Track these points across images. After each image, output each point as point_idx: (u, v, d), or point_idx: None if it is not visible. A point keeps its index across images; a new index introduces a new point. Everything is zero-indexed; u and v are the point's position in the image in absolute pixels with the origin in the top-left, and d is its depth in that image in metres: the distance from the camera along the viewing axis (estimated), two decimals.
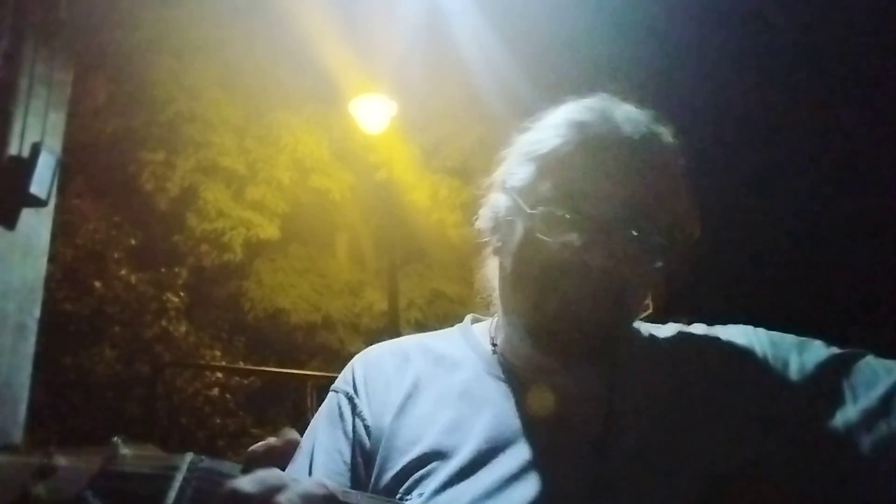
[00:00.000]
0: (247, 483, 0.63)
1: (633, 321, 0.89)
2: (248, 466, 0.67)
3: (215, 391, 7.98)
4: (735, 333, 0.88)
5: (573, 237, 0.81)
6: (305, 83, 7.74)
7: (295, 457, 0.87)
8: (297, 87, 7.90)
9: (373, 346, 0.97)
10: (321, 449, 0.86)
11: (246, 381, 8.24)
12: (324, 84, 7.40)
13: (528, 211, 0.84)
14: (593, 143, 0.83)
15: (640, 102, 0.90)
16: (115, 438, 0.65)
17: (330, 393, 0.93)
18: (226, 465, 0.67)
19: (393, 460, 0.82)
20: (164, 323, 7.95)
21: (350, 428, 0.87)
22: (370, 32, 7.05)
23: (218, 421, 7.85)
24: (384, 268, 8.11)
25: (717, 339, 0.88)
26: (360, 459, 0.85)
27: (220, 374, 8.14)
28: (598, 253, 0.80)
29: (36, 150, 3.37)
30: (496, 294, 0.93)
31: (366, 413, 0.87)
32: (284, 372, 7.07)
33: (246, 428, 7.98)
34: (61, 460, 0.63)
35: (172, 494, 0.62)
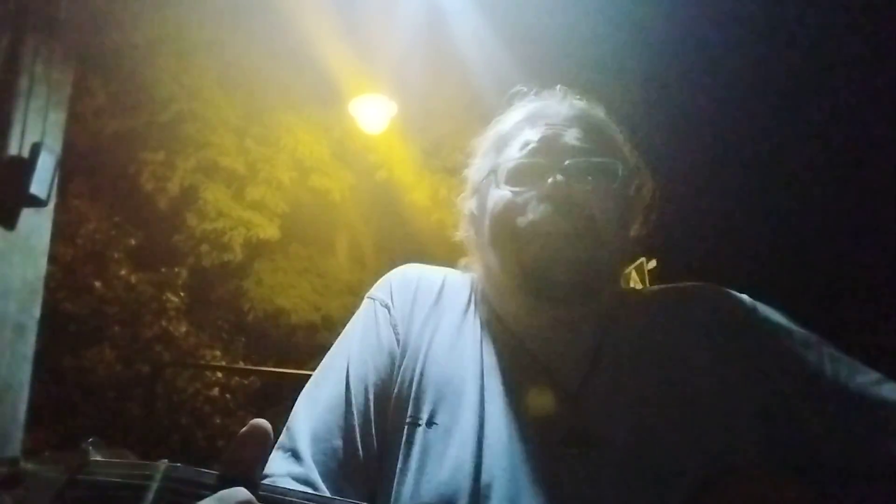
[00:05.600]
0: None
1: (616, 259, 0.92)
2: (224, 474, 0.65)
3: (215, 391, 7.98)
4: (732, 301, 0.90)
5: (539, 181, 0.87)
6: (305, 83, 7.73)
7: (332, 358, 0.93)
8: (297, 87, 7.89)
9: (411, 264, 1.02)
10: (356, 352, 0.91)
11: (246, 381, 8.24)
12: (324, 84, 7.40)
13: (496, 178, 0.92)
14: (537, 116, 0.94)
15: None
16: (86, 443, 0.63)
17: (366, 300, 0.98)
18: (201, 474, 0.64)
19: (410, 380, 0.87)
20: (164, 323, 7.95)
21: (385, 336, 0.92)
22: (370, 32, 7.05)
23: (218, 421, 7.84)
24: (384, 268, 8.08)
25: (716, 303, 0.90)
26: (388, 367, 0.89)
27: (220, 374, 8.13)
28: (561, 189, 0.86)
29: (36, 150, 3.36)
30: (482, 278, 0.97)
31: (399, 327, 0.92)
32: (284, 372, 7.06)
33: None
34: (29, 468, 0.61)
35: None
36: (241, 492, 0.63)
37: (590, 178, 0.88)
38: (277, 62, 7.65)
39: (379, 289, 0.98)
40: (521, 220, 0.87)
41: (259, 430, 0.65)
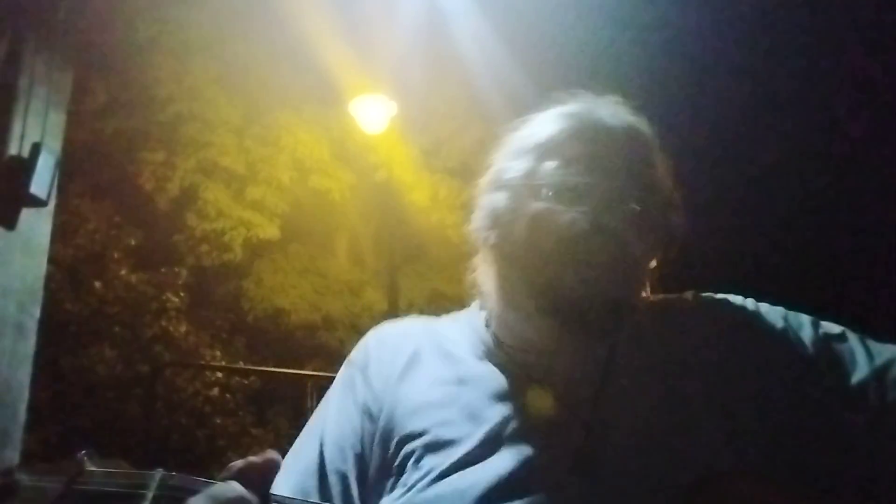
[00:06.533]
0: (200, 500, 0.62)
1: (641, 288, 0.90)
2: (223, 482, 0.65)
3: (215, 391, 7.97)
4: (726, 302, 0.89)
5: (586, 203, 0.83)
6: (305, 83, 7.74)
7: (309, 426, 0.91)
8: (297, 87, 7.90)
9: (387, 322, 1.00)
10: (332, 419, 0.89)
11: (246, 381, 8.24)
12: (324, 84, 7.40)
13: (536, 188, 0.86)
14: (586, 130, 0.88)
15: (640, 101, 0.92)
16: (81, 454, 0.63)
17: (344, 365, 0.96)
18: (197, 482, 0.65)
19: (391, 432, 0.85)
20: (164, 323, 7.95)
21: (360, 396, 0.89)
22: (370, 32, 7.05)
23: (218, 421, 7.84)
24: (384, 268, 8.12)
25: (710, 309, 0.89)
26: (367, 426, 0.87)
27: (220, 374, 8.13)
28: (611, 216, 0.82)
29: (36, 150, 3.36)
30: (493, 290, 0.93)
31: (374, 382, 0.90)
32: (284, 372, 7.06)
33: (246, 428, 7.98)
34: (24, 479, 0.60)
35: None
36: (234, 486, 0.64)
37: (634, 205, 0.84)
38: (277, 62, 7.66)
39: (356, 352, 0.96)
40: (560, 242, 0.83)
41: (273, 459, 0.67)
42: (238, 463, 0.67)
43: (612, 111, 0.90)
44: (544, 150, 0.88)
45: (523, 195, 0.88)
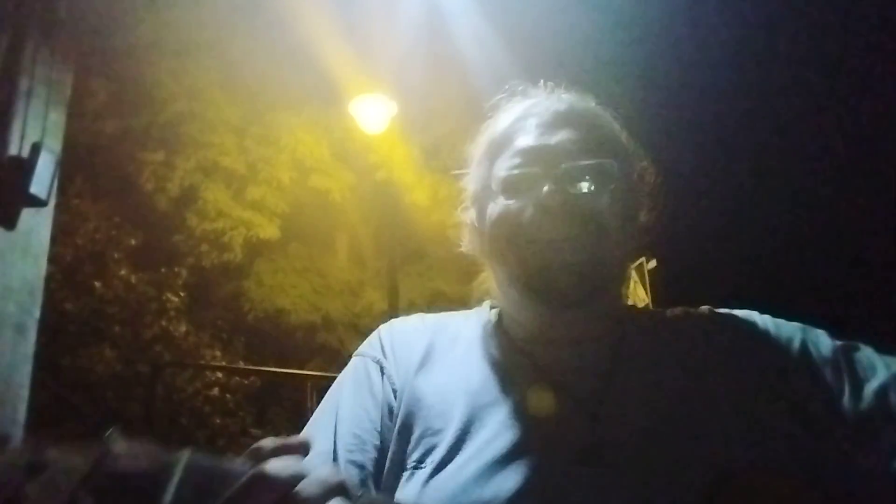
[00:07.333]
0: (277, 467, 0.61)
1: (622, 255, 0.92)
2: (252, 462, 0.64)
3: (215, 391, 7.98)
4: (742, 314, 0.91)
5: (529, 188, 0.88)
6: (305, 83, 7.74)
7: (316, 420, 0.90)
8: (297, 87, 7.90)
9: (398, 318, 1.01)
10: (347, 409, 0.89)
11: (246, 381, 8.24)
12: (324, 84, 7.40)
13: (492, 191, 0.92)
14: (525, 113, 0.94)
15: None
16: (110, 432, 0.63)
17: (354, 358, 0.95)
18: (225, 463, 0.64)
19: (410, 426, 0.86)
20: (164, 323, 7.95)
21: (378, 389, 0.90)
22: (370, 32, 7.06)
23: (218, 421, 7.85)
24: (384, 268, 8.12)
25: (726, 318, 0.90)
26: (387, 420, 0.87)
27: (220, 374, 8.14)
28: (552, 192, 0.86)
29: (36, 150, 3.36)
30: (496, 290, 0.96)
31: (394, 377, 0.90)
32: (284, 372, 7.06)
33: (246, 428, 7.99)
34: (53, 456, 0.60)
35: (169, 495, 0.59)
36: (299, 459, 0.64)
37: (586, 179, 0.88)
38: (277, 62, 7.66)
39: (367, 345, 0.96)
40: (519, 230, 0.87)
41: (305, 443, 0.66)
42: (268, 443, 0.66)
43: (551, 94, 0.96)
44: (494, 149, 0.94)
45: (485, 202, 0.93)
